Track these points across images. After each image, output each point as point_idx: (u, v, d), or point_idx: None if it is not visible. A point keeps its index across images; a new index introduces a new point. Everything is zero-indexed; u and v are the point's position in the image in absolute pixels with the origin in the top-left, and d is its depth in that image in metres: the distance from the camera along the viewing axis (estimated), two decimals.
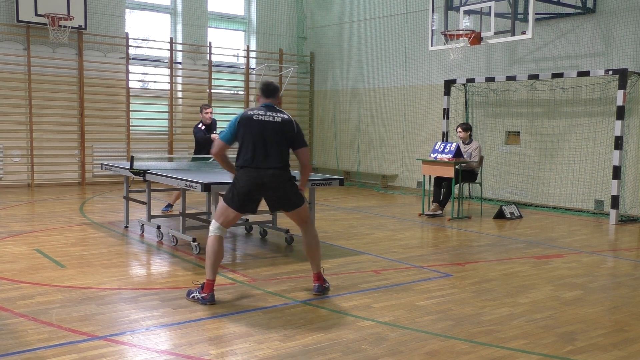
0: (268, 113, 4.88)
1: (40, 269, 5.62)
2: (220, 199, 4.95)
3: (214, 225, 4.84)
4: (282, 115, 4.92)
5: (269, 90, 5.02)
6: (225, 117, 14.65)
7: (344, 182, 9.68)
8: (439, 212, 9.41)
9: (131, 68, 13.31)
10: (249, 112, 4.90)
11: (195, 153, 9.55)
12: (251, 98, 14.76)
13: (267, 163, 4.80)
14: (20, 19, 11.59)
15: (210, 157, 8.57)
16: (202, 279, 4.89)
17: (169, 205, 9.41)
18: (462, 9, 9.92)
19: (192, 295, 4.76)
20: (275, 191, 4.87)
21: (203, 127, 9.29)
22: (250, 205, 4.91)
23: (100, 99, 12.88)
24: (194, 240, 6.44)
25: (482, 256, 6.68)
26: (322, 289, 5.01)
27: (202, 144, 9.14)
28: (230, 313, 4.44)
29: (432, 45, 10.59)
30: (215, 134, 9.18)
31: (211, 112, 9.39)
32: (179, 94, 14.07)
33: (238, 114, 4.98)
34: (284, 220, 8.06)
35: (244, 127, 4.85)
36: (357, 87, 14.43)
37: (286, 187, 4.91)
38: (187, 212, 7.12)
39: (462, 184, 9.53)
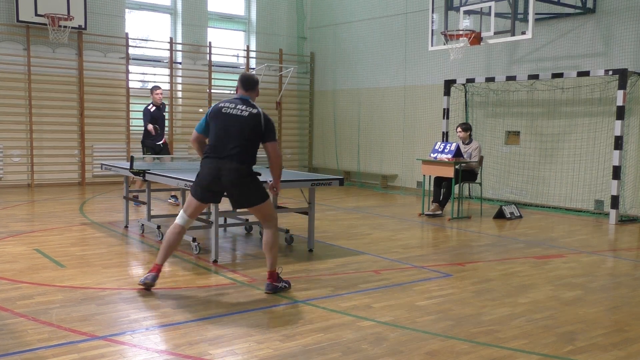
0: (238, 106, 4.96)
1: (40, 269, 5.62)
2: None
3: (180, 214, 5.06)
4: (251, 109, 4.95)
5: (248, 83, 5.09)
6: None
7: (344, 182, 9.68)
8: (439, 212, 9.41)
9: (131, 68, 13.32)
10: (220, 104, 5.02)
11: (144, 134, 9.96)
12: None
13: (226, 155, 4.86)
14: (20, 19, 11.59)
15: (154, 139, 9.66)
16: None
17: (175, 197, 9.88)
18: (462, 9, 9.92)
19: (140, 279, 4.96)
20: (232, 185, 4.90)
21: (153, 108, 9.88)
22: (211, 195, 5.02)
23: (100, 99, 12.88)
24: (194, 240, 6.45)
25: (482, 256, 6.68)
26: (272, 287, 4.96)
27: (156, 120, 9.80)
28: (230, 313, 4.44)
29: (432, 45, 10.59)
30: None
31: (161, 94, 10.05)
32: (179, 94, 14.07)
33: (211, 107, 5.17)
34: (284, 220, 8.07)
35: (213, 119, 4.99)
36: (357, 87, 14.43)
37: (245, 182, 4.92)
38: None
39: (462, 184, 9.53)
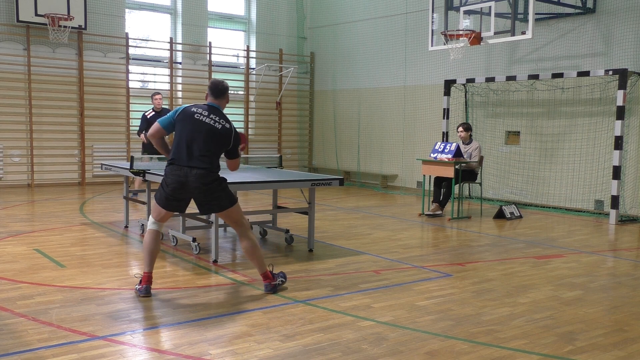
0: (211, 116, 4.84)
1: (40, 269, 5.62)
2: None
3: (150, 220, 4.92)
4: (224, 123, 4.87)
5: (218, 90, 4.97)
6: None
7: (344, 182, 9.68)
8: (439, 212, 9.41)
9: (131, 68, 13.32)
10: (192, 109, 4.88)
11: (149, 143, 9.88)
12: (251, 98, 14.77)
13: (193, 162, 4.76)
14: (20, 19, 11.59)
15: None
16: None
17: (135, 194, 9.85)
18: (462, 9, 9.92)
19: (137, 288, 4.82)
20: (199, 191, 4.79)
21: (151, 114, 10.05)
22: (176, 204, 4.88)
23: (100, 99, 12.88)
24: (194, 240, 6.44)
25: (482, 256, 6.68)
26: (271, 287, 4.98)
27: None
28: (230, 313, 4.44)
29: (432, 45, 10.59)
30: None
31: (160, 99, 10.25)
32: (179, 94, 14.07)
33: (181, 106, 5.03)
34: (284, 220, 8.07)
35: (182, 121, 4.85)
36: (357, 87, 14.43)
37: (212, 187, 4.82)
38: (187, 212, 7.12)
39: (462, 184, 9.53)
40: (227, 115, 5.11)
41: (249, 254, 5.01)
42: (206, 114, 4.85)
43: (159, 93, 10.38)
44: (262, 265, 5.00)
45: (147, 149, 9.99)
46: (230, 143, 4.91)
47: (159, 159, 8.88)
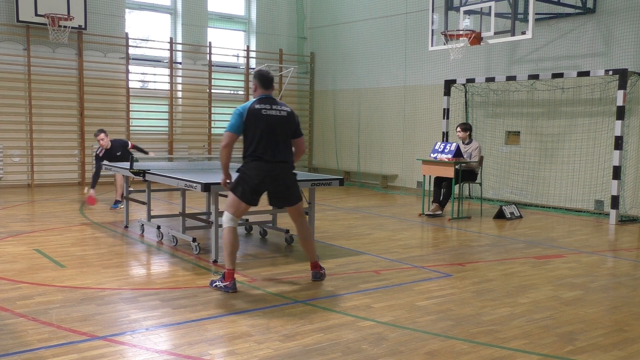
0: (273, 107, 5.09)
1: (40, 269, 5.62)
2: (230, 192, 5.12)
3: (226, 217, 5.05)
4: (285, 108, 5.18)
5: (267, 81, 5.17)
6: (225, 117, 14.68)
7: (344, 182, 9.68)
8: (439, 212, 9.41)
9: (131, 68, 13.32)
10: (255, 106, 5.04)
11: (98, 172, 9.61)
12: (251, 98, 14.74)
13: (278, 157, 5.04)
14: (20, 19, 11.59)
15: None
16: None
17: (118, 202, 9.60)
18: (462, 9, 9.92)
19: (215, 284, 5.03)
20: (285, 183, 5.12)
21: (103, 151, 9.65)
22: (258, 199, 5.12)
23: (100, 99, 12.88)
24: (194, 240, 6.44)
25: (482, 256, 6.68)
26: (319, 275, 5.38)
27: (112, 161, 9.31)
28: (230, 313, 4.44)
29: (432, 45, 10.59)
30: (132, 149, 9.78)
31: (103, 139, 9.62)
32: (179, 94, 14.07)
33: (240, 107, 5.12)
34: (284, 220, 8.07)
35: (252, 121, 5.00)
36: (357, 87, 14.43)
37: (294, 180, 5.22)
38: (187, 212, 7.12)
39: (462, 184, 9.53)
40: (228, 115, 5.21)
41: (308, 242, 5.37)
42: (268, 106, 5.07)
43: (101, 132, 9.62)
44: (314, 254, 5.40)
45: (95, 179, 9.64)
46: (296, 122, 5.23)
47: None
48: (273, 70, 14.95)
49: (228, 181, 5.18)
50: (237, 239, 5.07)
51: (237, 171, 5.12)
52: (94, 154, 10.03)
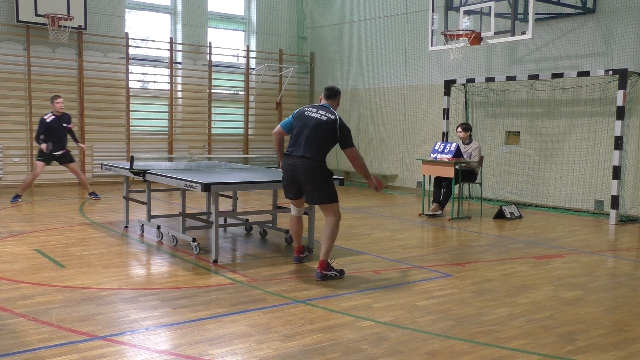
0: (319, 112, 5.55)
1: (40, 269, 5.62)
2: None
3: (293, 208, 5.90)
4: (330, 115, 5.52)
5: (331, 94, 5.75)
6: (225, 117, 14.69)
7: (344, 182, 9.68)
8: (439, 212, 9.41)
9: (131, 68, 13.32)
10: (304, 108, 5.65)
11: (45, 140, 9.97)
12: (251, 98, 14.76)
13: (300, 152, 5.45)
14: (20, 19, 11.60)
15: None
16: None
17: (19, 197, 10.04)
18: (462, 9, 9.92)
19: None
20: (305, 178, 5.48)
21: (50, 118, 9.97)
22: (293, 191, 5.67)
23: (100, 99, 12.88)
24: (194, 240, 6.44)
25: (482, 256, 6.68)
26: (322, 275, 5.41)
27: (53, 130, 9.95)
28: (230, 313, 4.44)
29: (432, 45, 10.58)
30: (69, 126, 10.25)
31: (62, 102, 10.10)
32: (179, 94, 14.07)
33: (297, 109, 5.74)
34: (284, 220, 8.07)
35: (297, 120, 5.60)
36: (357, 87, 14.43)
37: (317, 178, 5.48)
38: (187, 212, 7.12)
39: (462, 184, 9.53)
40: (228, 115, 5.51)
41: (324, 237, 5.54)
42: (315, 110, 5.58)
43: (60, 97, 10.10)
44: (325, 253, 5.49)
45: (46, 157, 10.01)
46: (336, 131, 5.48)
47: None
48: (273, 71, 14.96)
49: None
50: (301, 225, 5.97)
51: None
52: (40, 120, 10.00)
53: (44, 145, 9.85)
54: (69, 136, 10.35)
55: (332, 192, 5.59)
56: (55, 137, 9.99)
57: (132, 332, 4.01)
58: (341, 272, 5.55)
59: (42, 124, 9.93)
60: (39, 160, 10.07)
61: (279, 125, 5.77)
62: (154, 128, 13.84)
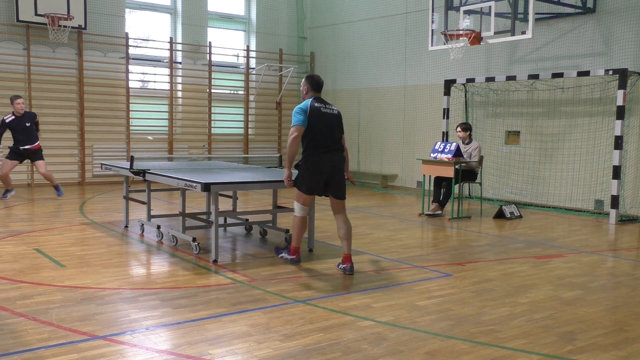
0: (327, 106, 5.74)
1: (40, 268, 5.62)
2: (295, 188, 5.77)
3: (297, 207, 5.78)
4: (335, 108, 5.85)
5: (319, 85, 5.84)
6: (225, 116, 14.69)
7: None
8: (439, 212, 9.41)
9: (131, 68, 13.32)
10: (315, 104, 5.66)
11: (16, 143, 10.13)
12: (251, 98, 14.76)
13: (335, 148, 5.70)
14: (20, 18, 11.59)
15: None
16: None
17: (8, 192, 10.20)
18: (462, 9, 9.92)
19: (281, 255, 6.07)
20: (340, 173, 5.74)
21: (10, 118, 9.98)
22: (321, 187, 5.71)
23: (100, 98, 12.88)
24: (194, 240, 6.44)
25: (482, 256, 6.68)
26: (352, 268, 5.63)
27: (19, 131, 10.00)
28: (230, 313, 4.44)
29: (432, 45, 10.59)
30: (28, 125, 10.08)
31: (21, 103, 10.07)
32: (179, 94, 14.07)
33: (301, 105, 5.68)
34: (284, 220, 8.07)
35: (315, 117, 5.60)
36: (357, 87, 14.43)
37: (343, 172, 5.80)
38: (187, 212, 7.12)
39: (462, 184, 9.53)
40: (228, 115, 5.54)
41: (349, 233, 5.71)
42: (324, 106, 5.72)
43: (20, 97, 10.07)
44: (350, 247, 5.73)
45: (14, 151, 10.11)
46: (342, 120, 5.87)
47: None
48: (273, 70, 14.96)
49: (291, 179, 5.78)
50: (304, 224, 5.81)
51: (296, 167, 5.73)
52: (1, 120, 9.99)
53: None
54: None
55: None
56: (19, 136, 10.07)
57: (132, 332, 4.01)
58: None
59: (2, 124, 10.01)
60: (7, 157, 10.23)
61: (298, 124, 5.56)
62: (154, 128, 13.83)
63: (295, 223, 5.82)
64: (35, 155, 10.36)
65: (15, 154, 10.19)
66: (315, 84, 5.81)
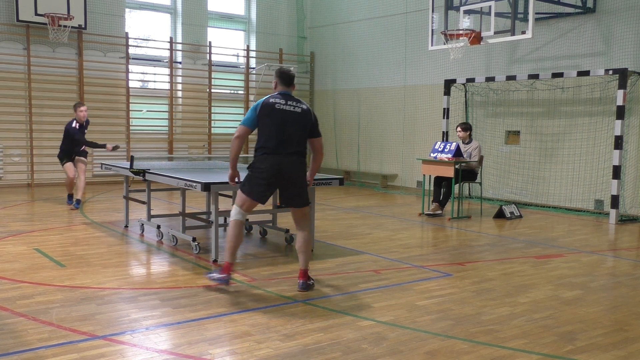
0: (289, 102, 5.04)
1: (40, 268, 5.62)
2: (239, 190, 5.13)
3: (234, 210, 5.08)
4: (301, 105, 5.09)
5: (288, 78, 5.17)
6: (225, 116, 14.69)
7: (344, 181, 9.67)
8: (439, 211, 9.41)
9: (131, 68, 13.32)
10: (270, 100, 5.03)
11: (66, 148, 9.66)
12: (251, 97, 14.75)
13: (288, 151, 4.97)
14: (20, 18, 11.59)
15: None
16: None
17: (73, 198, 9.59)
18: (462, 8, 9.92)
19: (210, 274, 5.10)
20: (292, 179, 5.02)
21: (77, 126, 9.54)
22: (267, 194, 5.07)
23: (100, 98, 12.87)
24: (194, 239, 6.44)
25: (482, 256, 6.68)
26: (306, 285, 5.08)
27: (75, 141, 9.49)
28: (230, 313, 4.44)
29: (432, 45, 10.59)
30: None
31: (85, 111, 9.65)
32: (179, 94, 14.07)
33: (258, 101, 5.10)
34: (284, 220, 8.07)
35: (266, 116, 4.99)
36: (357, 87, 14.42)
37: (302, 178, 5.09)
38: (187, 211, 7.12)
39: (462, 184, 9.53)
40: (228, 115, 5.18)
41: (305, 247, 5.14)
42: (284, 102, 5.04)
43: (84, 105, 9.72)
44: (307, 262, 5.15)
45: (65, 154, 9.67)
46: (311, 120, 5.12)
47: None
48: (273, 70, 14.94)
49: (236, 179, 5.21)
50: (241, 234, 5.10)
51: (248, 168, 5.10)
52: (68, 127, 9.50)
53: (109, 146, 9.52)
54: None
55: (308, 193, 5.22)
56: (74, 144, 9.56)
57: (132, 332, 4.01)
58: (314, 281, 5.21)
59: (73, 130, 9.47)
60: (64, 163, 9.72)
61: (242, 125, 5.00)
62: (154, 128, 13.83)
63: (230, 229, 5.08)
64: (81, 153, 9.84)
65: (67, 154, 9.67)
66: (284, 78, 5.14)
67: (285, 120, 4.97)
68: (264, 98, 5.09)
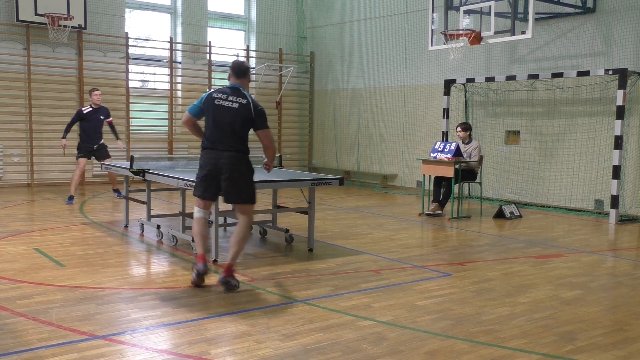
0: (230, 98, 5.03)
1: (40, 268, 5.62)
2: None
3: (194, 209, 5.25)
4: (241, 100, 5.02)
5: (240, 71, 5.14)
6: None
7: (344, 181, 9.67)
8: (439, 211, 9.41)
9: (131, 68, 13.32)
10: (213, 94, 5.10)
11: (82, 139, 10.33)
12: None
13: (222, 147, 5.01)
14: (20, 18, 11.59)
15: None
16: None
17: (118, 191, 10.43)
18: (462, 8, 9.92)
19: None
20: (230, 174, 5.03)
21: (89, 110, 10.21)
22: (210, 189, 5.13)
23: (101, 98, 12.84)
24: (194, 240, 6.42)
25: (482, 256, 6.68)
26: (226, 281, 4.96)
27: (93, 122, 10.22)
28: (230, 313, 4.44)
29: (432, 45, 10.58)
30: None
31: (99, 95, 10.30)
32: (179, 94, 14.07)
33: (204, 93, 5.22)
34: (284, 219, 8.07)
35: (207, 109, 5.09)
36: (357, 87, 14.42)
37: (243, 174, 5.10)
38: (186, 211, 7.11)
39: (461, 184, 9.53)
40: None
41: (237, 239, 5.13)
42: (225, 97, 5.04)
43: (98, 89, 10.36)
44: (235, 257, 5.10)
45: (84, 149, 10.25)
46: (251, 114, 5.04)
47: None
48: (273, 70, 14.96)
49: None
50: (206, 228, 5.21)
51: None
52: (78, 111, 10.31)
53: (63, 142, 10.10)
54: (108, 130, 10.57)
55: (254, 191, 5.23)
56: (91, 129, 10.18)
57: (132, 332, 4.01)
58: (238, 283, 5.04)
59: (77, 114, 10.17)
60: (79, 157, 10.26)
61: (187, 112, 5.16)
62: (153, 128, 13.83)
63: (193, 226, 5.22)
64: (100, 152, 10.34)
65: (86, 152, 10.23)
66: (235, 70, 5.10)
67: (222, 115, 4.99)
68: (211, 91, 5.19)
